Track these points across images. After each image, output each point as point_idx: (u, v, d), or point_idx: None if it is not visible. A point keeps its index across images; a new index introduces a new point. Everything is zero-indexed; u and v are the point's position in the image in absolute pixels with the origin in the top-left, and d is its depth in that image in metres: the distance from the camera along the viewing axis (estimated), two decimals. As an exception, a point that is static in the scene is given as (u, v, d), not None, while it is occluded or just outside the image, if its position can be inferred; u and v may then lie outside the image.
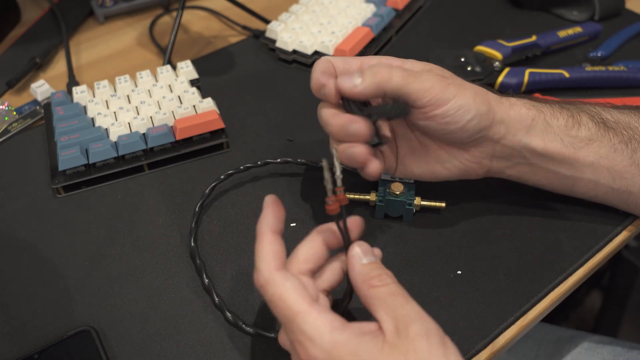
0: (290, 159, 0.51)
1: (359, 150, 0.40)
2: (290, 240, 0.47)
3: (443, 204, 0.47)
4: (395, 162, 0.46)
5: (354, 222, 0.36)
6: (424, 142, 0.45)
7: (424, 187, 0.49)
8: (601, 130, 0.43)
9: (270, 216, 0.35)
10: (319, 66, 0.42)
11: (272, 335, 0.40)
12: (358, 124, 0.40)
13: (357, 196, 0.47)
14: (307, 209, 0.49)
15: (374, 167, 0.41)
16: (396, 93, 0.40)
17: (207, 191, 0.49)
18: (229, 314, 0.41)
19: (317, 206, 0.49)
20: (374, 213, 0.48)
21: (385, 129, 0.45)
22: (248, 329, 0.40)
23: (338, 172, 0.35)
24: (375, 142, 0.41)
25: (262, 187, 0.51)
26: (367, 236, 0.45)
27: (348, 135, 0.40)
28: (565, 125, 0.43)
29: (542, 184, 0.45)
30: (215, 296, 0.42)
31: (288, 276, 0.33)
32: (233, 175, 0.51)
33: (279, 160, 0.51)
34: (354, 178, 0.48)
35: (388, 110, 0.40)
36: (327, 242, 0.36)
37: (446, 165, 0.44)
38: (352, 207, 0.49)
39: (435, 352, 0.30)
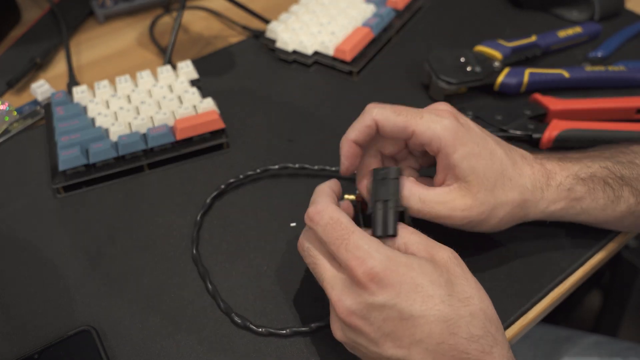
0: (290, 164, 0.51)
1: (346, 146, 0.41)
2: (290, 240, 0.47)
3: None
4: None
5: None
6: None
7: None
8: None
9: (330, 181, 0.41)
10: (354, 128, 0.41)
11: (284, 332, 0.41)
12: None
13: (352, 197, 0.47)
14: (307, 209, 0.49)
15: None
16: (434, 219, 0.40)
17: (208, 201, 0.49)
18: (236, 318, 0.41)
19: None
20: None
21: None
22: (259, 329, 0.41)
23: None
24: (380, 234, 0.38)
25: (262, 188, 0.51)
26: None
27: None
28: (603, 207, 0.42)
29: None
30: (220, 301, 0.42)
31: (340, 210, 0.37)
32: (232, 184, 0.51)
33: (277, 167, 0.51)
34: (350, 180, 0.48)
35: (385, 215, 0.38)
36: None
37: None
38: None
39: (466, 274, 0.35)
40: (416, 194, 0.39)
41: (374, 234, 0.37)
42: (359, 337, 0.34)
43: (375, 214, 0.38)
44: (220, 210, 0.49)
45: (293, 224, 0.48)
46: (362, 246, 0.34)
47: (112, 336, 0.41)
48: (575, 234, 0.46)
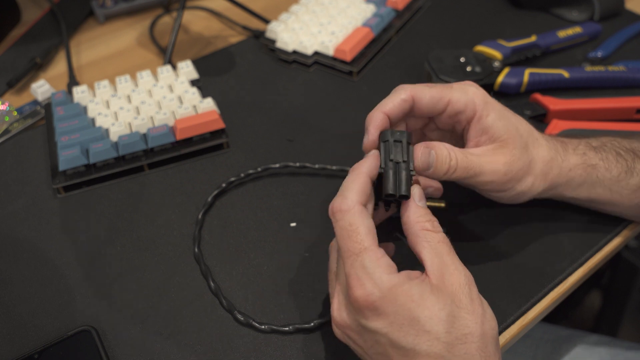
0: (290, 163, 0.51)
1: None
2: (290, 239, 0.47)
3: (443, 204, 0.47)
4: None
5: None
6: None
7: (423, 187, 0.49)
8: None
9: (371, 162, 0.37)
10: (385, 105, 0.40)
11: (288, 329, 0.41)
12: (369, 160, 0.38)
13: None
14: (307, 209, 0.49)
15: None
16: (460, 179, 0.40)
17: (209, 199, 0.49)
18: (239, 315, 0.42)
19: (317, 206, 0.49)
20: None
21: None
22: (262, 327, 0.41)
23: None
24: (393, 198, 0.37)
25: (262, 188, 0.51)
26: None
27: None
28: (617, 177, 0.43)
29: (583, 207, 0.46)
30: (222, 298, 0.43)
31: (367, 214, 0.35)
32: (233, 182, 0.51)
33: (277, 165, 0.51)
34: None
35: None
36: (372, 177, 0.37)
37: (479, 190, 0.44)
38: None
39: (474, 303, 0.33)
40: (459, 151, 0.39)
41: (385, 193, 0.36)
42: (353, 344, 0.35)
43: (387, 173, 0.37)
44: (220, 210, 0.49)
45: (293, 224, 0.48)
46: (367, 267, 0.33)
47: (112, 336, 0.41)
48: (575, 234, 0.46)
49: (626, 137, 0.45)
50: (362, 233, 0.34)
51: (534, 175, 0.41)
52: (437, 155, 0.38)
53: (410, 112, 0.41)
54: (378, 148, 0.39)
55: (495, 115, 0.40)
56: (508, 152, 0.40)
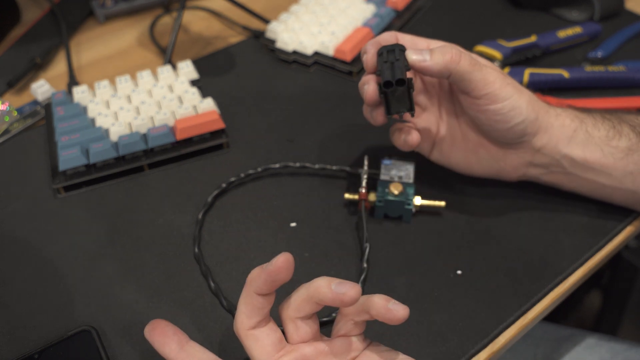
0: (290, 163, 0.51)
1: (370, 89, 0.42)
2: (291, 240, 0.47)
3: (443, 204, 0.47)
4: (431, 145, 0.47)
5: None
6: (467, 135, 0.46)
7: (423, 187, 0.49)
8: None
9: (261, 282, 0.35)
10: (380, 36, 0.44)
11: None
12: (369, 85, 0.42)
13: (356, 197, 0.48)
14: (307, 209, 0.49)
15: (412, 137, 0.44)
16: (460, 77, 0.41)
17: (209, 199, 0.49)
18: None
19: (317, 206, 0.49)
20: (374, 213, 0.48)
21: (427, 101, 0.47)
22: None
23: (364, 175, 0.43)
24: (401, 111, 0.42)
25: (262, 188, 0.51)
26: (368, 237, 0.45)
27: (362, 92, 0.43)
28: (606, 136, 0.43)
29: (579, 191, 0.46)
30: (222, 298, 0.43)
31: (256, 335, 0.36)
32: (234, 182, 0.51)
33: (278, 165, 0.51)
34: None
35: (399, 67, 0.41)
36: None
37: (482, 162, 0.45)
38: (353, 208, 0.49)
39: None
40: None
41: (382, 80, 0.40)
42: None
43: (382, 68, 0.41)
44: (220, 210, 0.49)
45: (293, 224, 0.48)
46: None
47: (112, 336, 0.41)
48: (575, 234, 0.46)
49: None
50: (254, 354, 0.35)
51: (526, 98, 0.42)
52: (432, 50, 0.41)
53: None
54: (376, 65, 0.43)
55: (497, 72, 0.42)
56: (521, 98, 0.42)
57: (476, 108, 0.42)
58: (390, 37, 0.44)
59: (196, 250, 0.46)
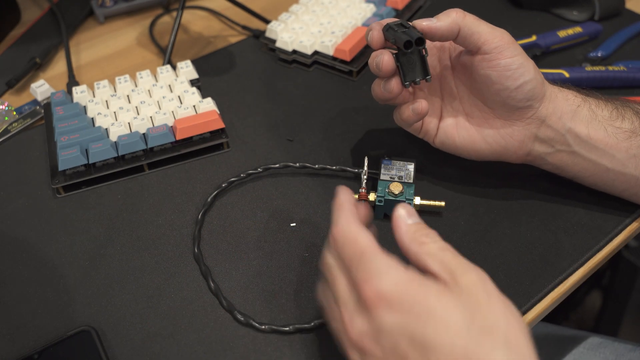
0: (290, 163, 0.51)
1: (385, 58, 0.43)
2: (291, 240, 0.47)
3: (442, 204, 0.47)
4: (435, 129, 0.47)
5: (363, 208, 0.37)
6: (471, 114, 0.46)
7: (423, 187, 0.49)
8: None
9: (345, 191, 0.36)
10: (383, 20, 0.45)
11: (288, 328, 0.41)
12: (384, 55, 0.43)
13: (356, 197, 0.48)
14: (307, 209, 0.49)
15: (420, 105, 0.44)
16: (469, 30, 0.42)
17: (209, 200, 0.49)
18: (239, 315, 0.42)
19: (317, 206, 0.49)
20: (374, 213, 0.48)
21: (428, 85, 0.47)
22: (262, 327, 0.41)
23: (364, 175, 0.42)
24: (418, 78, 0.43)
25: (262, 188, 0.51)
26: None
27: (377, 63, 0.43)
28: (609, 116, 0.44)
29: (582, 176, 0.46)
30: (222, 299, 0.43)
31: (364, 228, 0.34)
32: (234, 182, 0.51)
33: (278, 165, 0.51)
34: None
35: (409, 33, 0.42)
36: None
37: (488, 139, 0.45)
38: (352, 207, 0.49)
39: (493, 298, 0.31)
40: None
41: (402, 42, 0.41)
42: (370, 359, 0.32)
43: (398, 34, 0.42)
44: (220, 210, 0.49)
45: (293, 224, 0.48)
46: (374, 264, 0.31)
47: (112, 336, 0.41)
48: (575, 234, 0.46)
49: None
50: (362, 240, 0.33)
51: (532, 61, 0.43)
52: (437, 15, 0.43)
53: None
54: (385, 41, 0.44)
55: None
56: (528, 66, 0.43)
57: (487, 64, 0.42)
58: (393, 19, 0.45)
59: (196, 250, 0.46)
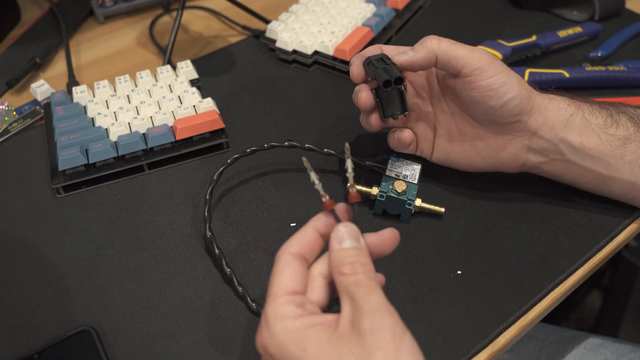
0: (297, 144, 0.50)
1: (363, 96, 0.44)
2: (290, 240, 0.47)
3: (442, 210, 0.47)
4: (431, 146, 0.48)
5: (340, 209, 0.36)
6: (463, 130, 0.46)
7: (424, 187, 0.49)
8: None
9: (319, 217, 0.36)
10: (365, 50, 0.46)
11: None
12: (362, 92, 0.44)
13: (359, 187, 0.47)
14: (307, 209, 0.49)
15: (403, 135, 0.47)
16: (446, 56, 0.42)
17: (215, 177, 0.48)
18: (252, 303, 0.42)
19: (317, 206, 0.49)
20: (373, 208, 0.48)
21: (420, 105, 0.48)
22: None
23: (350, 170, 0.36)
24: (396, 113, 0.45)
25: (262, 188, 0.51)
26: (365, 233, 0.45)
27: (357, 100, 0.45)
28: (603, 124, 0.43)
29: (579, 182, 0.46)
30: (237, 285, 0.43)
31: (292, 261, 0.34)
32: (239, 159, 0.50)
33: (286, 143, 0.50)
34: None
35: (388, 70, 0.43)
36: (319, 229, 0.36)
37: (482, 153, 0.46)
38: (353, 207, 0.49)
39: (384, 348, 0.29)
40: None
41: (381, 81, 0.42)
42: None
43: (378, 71, 0.43)
44: (220, 210, 0.49)
45: (293, 224, 0.48)
46: (267, 314, 0.32)
47: (112, 336, 0.41)
48: (575, 234, 0.46)
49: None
50: (276, 279, 0.33)
51: (515, 77, 0.43)
52: (413, 47, 0.43)
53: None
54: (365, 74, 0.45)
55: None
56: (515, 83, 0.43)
57: (469, 87, 0.43)
58: (374, 49, 0.46)
59: (208, 234, 0.45)
